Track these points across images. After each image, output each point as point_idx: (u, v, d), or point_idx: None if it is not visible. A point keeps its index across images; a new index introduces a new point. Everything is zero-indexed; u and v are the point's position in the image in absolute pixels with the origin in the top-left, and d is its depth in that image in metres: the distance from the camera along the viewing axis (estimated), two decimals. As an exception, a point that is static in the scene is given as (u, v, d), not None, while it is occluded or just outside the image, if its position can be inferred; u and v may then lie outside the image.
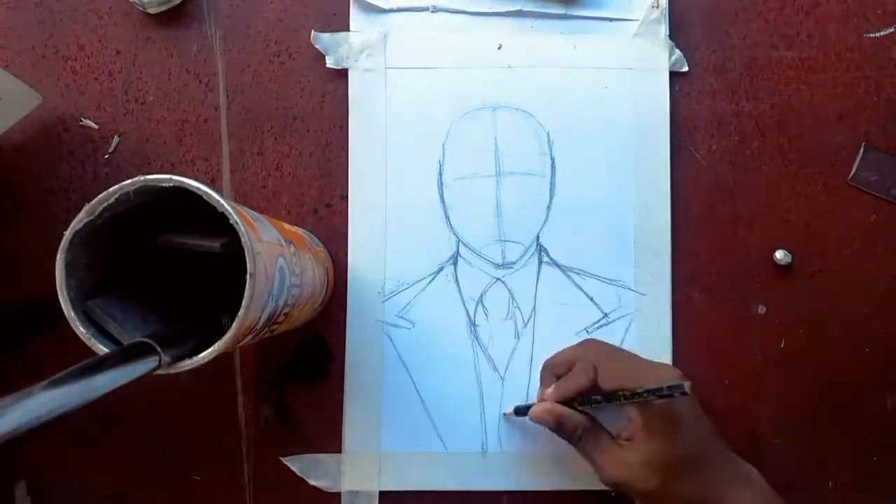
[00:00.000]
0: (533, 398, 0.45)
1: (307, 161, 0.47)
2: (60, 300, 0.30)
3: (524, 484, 0.45)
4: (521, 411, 0.43)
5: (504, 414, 0.45)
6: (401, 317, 0.46)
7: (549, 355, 0.45)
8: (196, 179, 0.30)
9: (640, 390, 0.35)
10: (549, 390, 0.41)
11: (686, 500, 0.39)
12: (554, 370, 0.43)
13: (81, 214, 0.30)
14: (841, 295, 0.46)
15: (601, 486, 0.44)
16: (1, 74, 0.42)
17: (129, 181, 0.30)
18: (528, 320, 0.46)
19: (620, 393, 0.37)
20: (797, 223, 0.46)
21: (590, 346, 0.43)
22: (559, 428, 0.40)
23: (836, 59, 0.47)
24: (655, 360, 0.43)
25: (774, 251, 0.46)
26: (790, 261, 0.45)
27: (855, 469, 0.45)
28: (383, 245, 0.46)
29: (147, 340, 0.28)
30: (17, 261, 0.46)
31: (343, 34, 0.46)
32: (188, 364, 0.30)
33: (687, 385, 0.33)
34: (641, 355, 0.45)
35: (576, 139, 0.46)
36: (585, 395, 0.39)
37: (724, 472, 0.39)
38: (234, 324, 0.29)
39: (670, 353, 0.46)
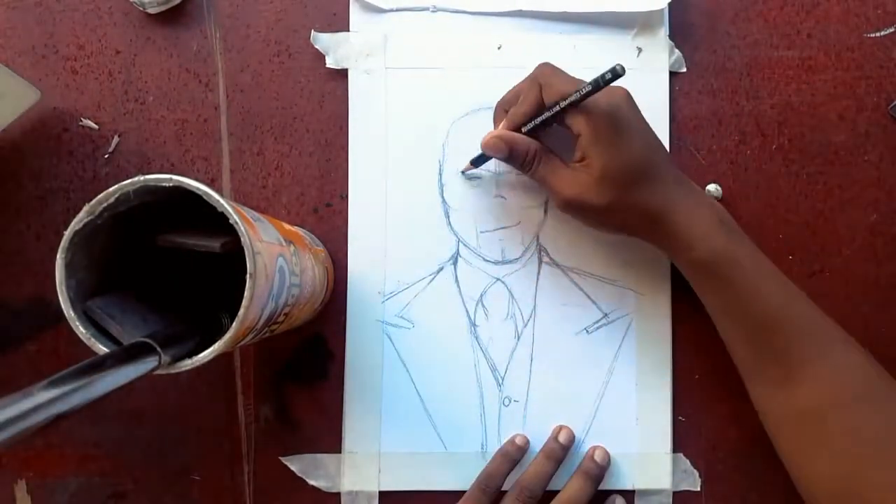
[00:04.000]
0: (532, 398, 0.45)
1: (307, 161, 0.47)
2: (60, 300, 0.30)
3: (524, 484, 0.45)
4: (476, 159, 0.44)
5: (462, 172, 0.46)
6: (401, 317, 0.46)
7: (549, 356, 0.45)
8: (196, 179, 0.30)
9: (580, 88, 0.37)
10: (500, 124, 0.42)
11: (640, 210, 0.39)
12: (505, 106, 0.43)
13: (81, 214, 0.30)
14: (841, 295, 0.46)
15: (601, 487, 0.44)
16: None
17: (129, 181, 0.30)
18: (528, 320, 0.46)
19: (564, 101, 0.38)
20: (797, 223, 0.46)
21: (535, 70, 0.41)
22: (511, 154, 0.41)
23: (836, 59, 0.47)
24: None
25: (774, 251, 0.46)
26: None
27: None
28: (383, 245, 0.46)
29: (147, 340, 0.28)
30: (17, 261, 0.46)
31: (343, 34, 0.46)
32: (188, 364, 0.30)
33: (620, 66, 0.36)
34: (641, 355, 0.46)
35: (576, 139, 0.46)
36: (535, 117, 0.40)
37: (678, 187, 0.40)
38: (234, 324, 0.29)
39: (670, 353, 0.46)
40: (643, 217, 0.40)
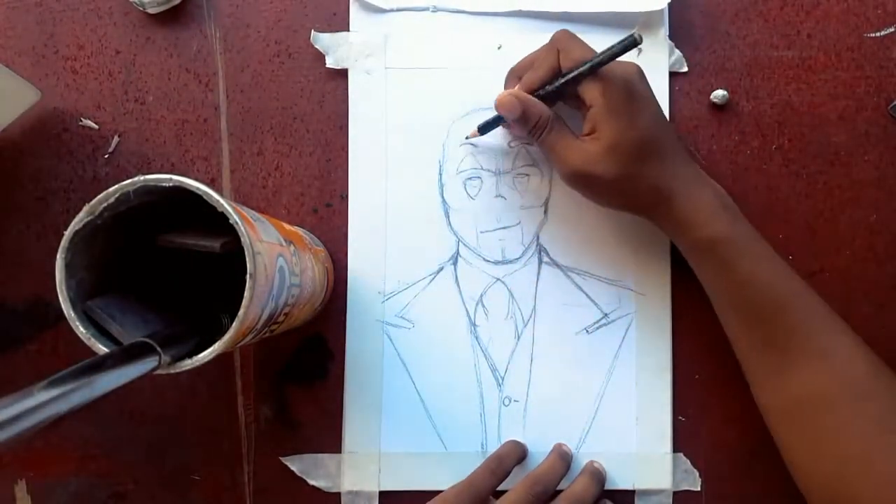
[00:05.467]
0: (532, 398, 0.45)
1: (307, 161, 0.47)
2: (60, 300, 0.30)
3: (524, 484, 0.45)
4: (484, 126, 0.44)
5: (467, 137, 0.45)
6: (401, 317, 0.46)
7: (549, 356, 0.45)
8: (196, 179, 0.30)
9: (597, 55, 0.38)
10: (516, 86, 0.41)
11: (645, 187, 0.39)
12: (518, 73, 0.43)
13: (81, 214, 0.30)
14: (841, 295, 0.46)
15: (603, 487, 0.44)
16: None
17: (129, 181, 0.30)
18: (528, 320, 0.46)
19: (580, 68, 0.38)
20: (797, 223, 0.46)
21: (554, 36, 0.41)
22: (524, 115, 0.40)
23: (836, 59, 0.47)
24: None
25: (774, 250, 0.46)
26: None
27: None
28: (383, 245, 0.46)
29: (147, 340, 0.28)
30: (17, 261, 0.46)
31: (343, 34, 0.46)
32: (188, 364, 0.30)
33: (638, 34, 0.36)
34: (641, 355, 0.46)
35: (576, 139, 0.46)
36: (549, 83, 0.40)
37: (685, 167, 0.40)
38: (234, 324, 0.29)
39: (670, 353, 0.46)
40: (648, 194, 0.39)
